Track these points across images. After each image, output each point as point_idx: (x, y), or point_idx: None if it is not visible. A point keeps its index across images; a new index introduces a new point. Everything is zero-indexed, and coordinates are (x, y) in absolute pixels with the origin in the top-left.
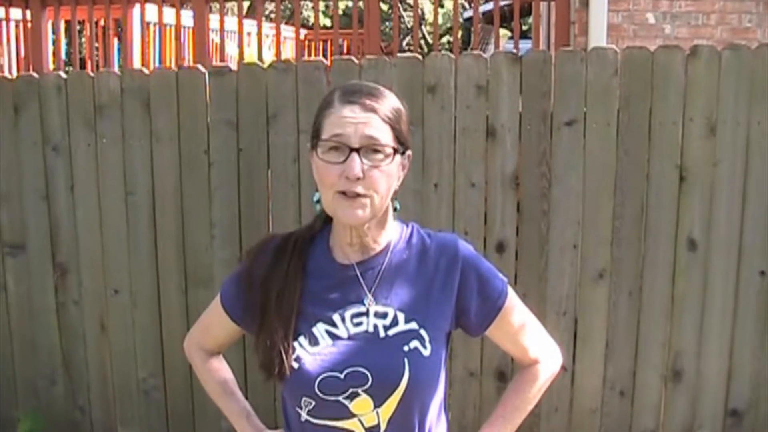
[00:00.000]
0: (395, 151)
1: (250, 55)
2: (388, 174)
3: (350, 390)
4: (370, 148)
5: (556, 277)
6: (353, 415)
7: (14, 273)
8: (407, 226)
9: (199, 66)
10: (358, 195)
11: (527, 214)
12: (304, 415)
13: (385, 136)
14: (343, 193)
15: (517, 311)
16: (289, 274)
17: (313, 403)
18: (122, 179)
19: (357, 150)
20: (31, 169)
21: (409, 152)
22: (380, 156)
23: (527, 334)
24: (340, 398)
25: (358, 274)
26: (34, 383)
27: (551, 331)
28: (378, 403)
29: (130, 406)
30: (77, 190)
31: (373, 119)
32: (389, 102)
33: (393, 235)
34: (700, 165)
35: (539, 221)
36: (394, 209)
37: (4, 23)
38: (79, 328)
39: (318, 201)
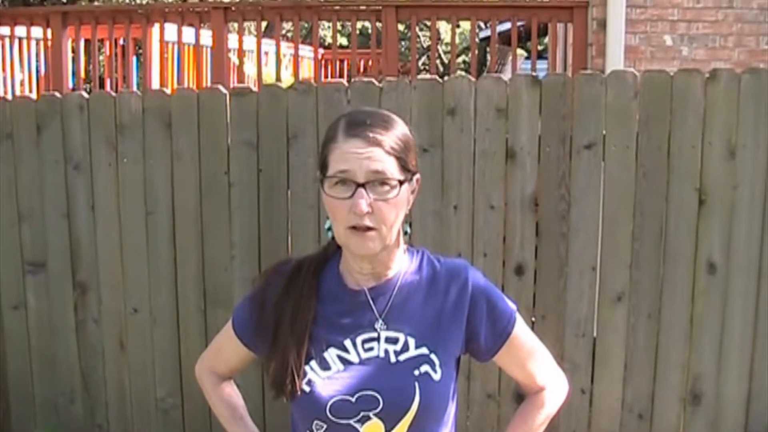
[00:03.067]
0: (401, 182)
1: (268, 75)
2: (396, 204)
3: (361, 413)
4: (376, 181)
5: (574, 298)
6: None
7: (35, 291)
8: (417, 251)
9: (220, 86)
10: (368, 228)
11: (546, 236)
12: None
13: (391, 168)
14: (353, 227)
15: (525, 337)
16: (303, 298)
17: (325, 426)
18: (143, 199)
19: (363, 185)
20: (52, 187)
21: (417, 176)
22: (386, 188)
23: (535, 360)
24: (352, 422)
25: (370, 300)
26: (54, 401)
27: (570, 353)
28: (389, 427)
29: (148, 425)
30: (98, 209)
31: (377, 153)
32: (393, 132)
33: (404, 260)
34: (720, 188)
35: (558, 243)
36: (405, 233)
37: (25, 42)
38: (99, 346)
39: (329, 228)
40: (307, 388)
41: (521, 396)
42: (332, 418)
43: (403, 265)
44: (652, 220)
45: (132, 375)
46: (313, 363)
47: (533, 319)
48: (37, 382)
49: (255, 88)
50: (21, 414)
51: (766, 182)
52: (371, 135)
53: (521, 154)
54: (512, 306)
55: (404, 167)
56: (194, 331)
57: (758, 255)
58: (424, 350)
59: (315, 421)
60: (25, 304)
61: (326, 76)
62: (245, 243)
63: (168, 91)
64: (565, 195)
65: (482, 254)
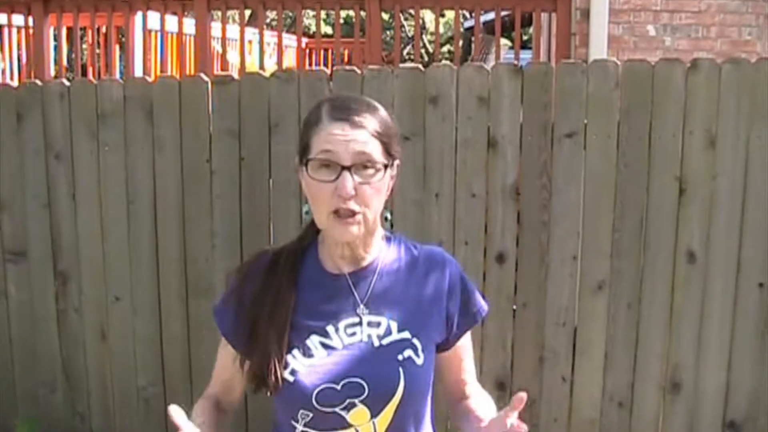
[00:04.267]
0: (386, 165)
1: (252, 63)
2: (379, 189)
3: (347, 401)
4: (361, 164)
5: (555, 288)
6: (350, 426)
7: (15, 280)
8: (394, 237)
9: (202, 75)
10: (352, 213)
11: (527, 225)
12: (300, 428)
13: (376, 152)
14: (336, 212)
15: (468, 341)
16: (281, 288)
17: (311, 415)
18: (124, 187)
19: (348, 168)
20: (33, 176)
21: (397, 162)
22: (371, 171)
23: (472, 364)
24: (337, 409)
25: (351, 285)
26: (34, 390)
27: (550, 342)
28: (375, 413)
29: (130, 415)
30: (79, 198)
31: (363, 135)
32: (378, 116)
33: (382, 246)
34: (700, 178)
35: (539, 232)
36: (386, 219)
37: (6, 29)
38: (80, 335)
39: (308, 212)
40: (290, 378)
41: (503, 384)
42: (318, 407)
43: (381, 251)
44: (633, 209)
45: (113, 364)
46: (295, 351)
47: (514, 307)
48: (17, 371)
49: (237, 77)
50: (1, 405)
51: (746, 172)
52: (356, 118)
53: (503, 143)
54: (483, 303)
55: (388, 151)
56: (175, 320)
57: (737, 245)
58: (406, 334)
59: (300, 411)
60: (6, 293)
61: (310, 65)
62: (227, 232)
63: (150, 79)
64: (547, 184)
65: (463, 242)
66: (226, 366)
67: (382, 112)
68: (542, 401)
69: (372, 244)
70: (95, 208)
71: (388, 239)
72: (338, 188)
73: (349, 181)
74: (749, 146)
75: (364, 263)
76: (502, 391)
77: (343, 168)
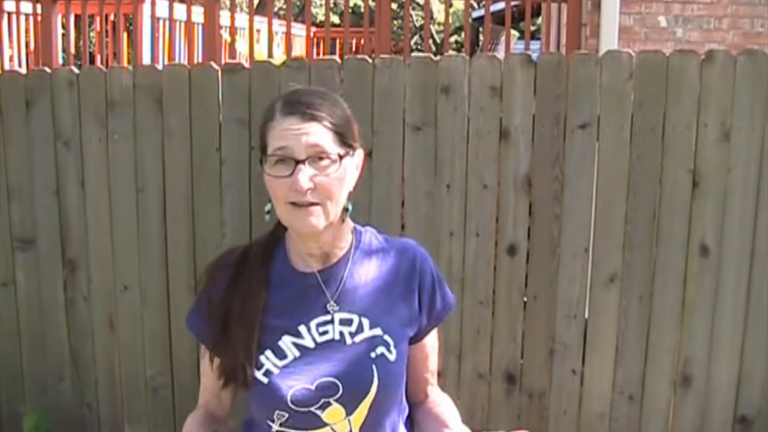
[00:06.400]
0: (341, 156)
1: (260, 52)
2: (338, 179)
3: (322, 400)
4: (315, 156)
5: (567, 280)
6: (325, 425)
7: (24, 268)
8: (364, 230)
9: (212, 63)
10: (311, 204)
11: (539, 217)
12: (276, 427)
13: (329, 143)
14: (294, 204)
15: (434, 337)
16: (251, 287)
17: (286, 415)
18: (133, 176)
19: (303, 161)
20: (41, 164)
21: (360, 152)
22: (326, 162)
23: (435, 361)
24: (313, 409)
25: (321, 283)
26: (42, 379)
27: (561, 334)
28: (350, 411)
29: (138, 404)
30: (88, 186)
31: (314, 127)
32: (331, 107)
33: (351, 239)
34: (714, 171)
35: (551, 224)
36: (345, 210)
37: (14, 17)
38: (88, 324)
39: (269, 212)
40: (264, 380)
41: (512, 376)
42: (294, 408)
43: (352, 245)
44: (646, 202)
45: (121, 353)
46: (268, 353)
47: (525, 299)
48: (25, 360)
49: (247, 65)
50: (9, 393)
51: (760, 166)
52: (307, 111)
53: (515, 134)
54: (453, 295)
55: (344, 142)
56: (184, 310)
57: (751, 238)
58: (378, 331)
59: (276, 411)
60: (14, 281)
61: (318, 55)
62: (236, 221)
63: (160, 67)
64: (559, 176)
65: (475, 234)
66: (211, 374)
67: (337, 101)
68: (552, 394)
69: (341, 238)
70: (104, 197)
71: (358, 233)
72: (294, 183)
73: (303, 174)
74: (764, 139)
75: (334, 260)
76: (511, 384)
77: (297, 162)
